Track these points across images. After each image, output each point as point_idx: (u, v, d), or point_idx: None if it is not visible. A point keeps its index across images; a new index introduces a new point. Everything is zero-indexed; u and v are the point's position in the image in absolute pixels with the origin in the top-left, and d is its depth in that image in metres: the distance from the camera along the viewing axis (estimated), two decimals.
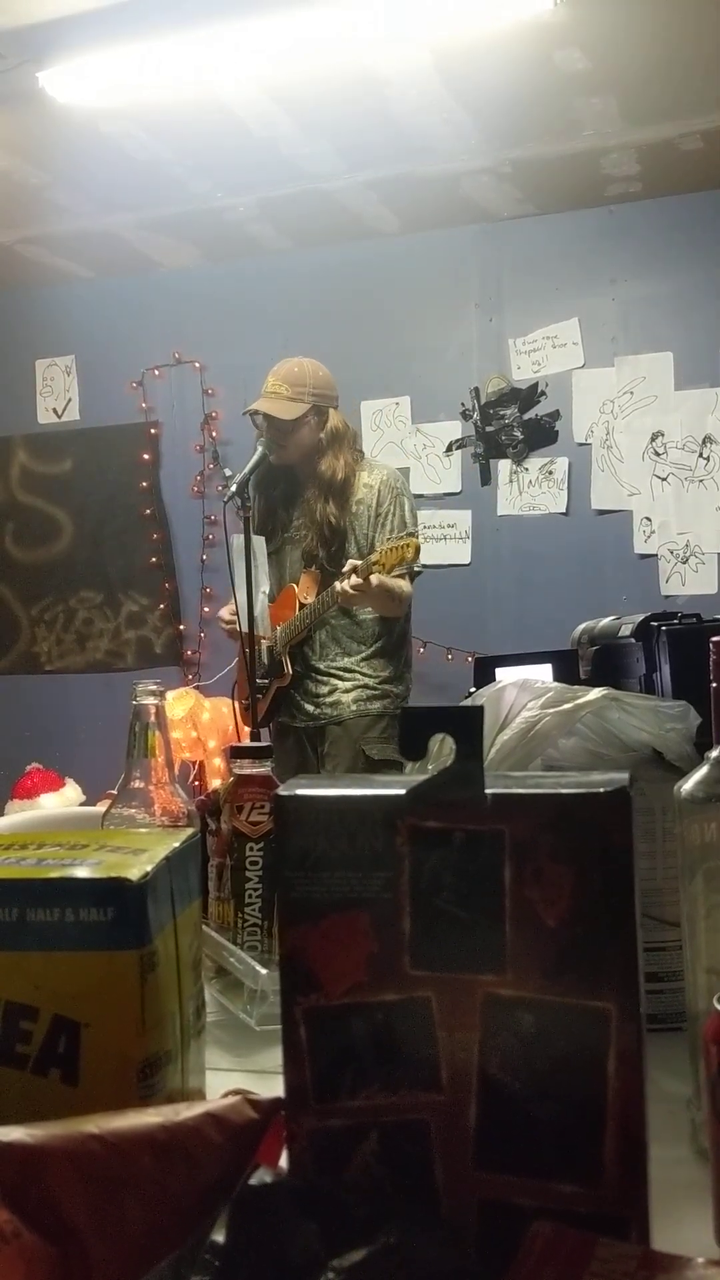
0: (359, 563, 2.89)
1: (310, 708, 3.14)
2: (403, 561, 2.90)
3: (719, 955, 0.71)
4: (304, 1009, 0.60)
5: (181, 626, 5.01)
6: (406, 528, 3.13)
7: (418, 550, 2.95)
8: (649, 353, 4.38)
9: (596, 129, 3.87)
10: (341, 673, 3.11)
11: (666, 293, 4.37)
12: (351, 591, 2.88)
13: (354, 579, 2.86)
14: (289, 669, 3.14)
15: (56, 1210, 0.53)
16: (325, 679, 3.12)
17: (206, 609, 4.90)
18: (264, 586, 3.08)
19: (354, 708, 3.09)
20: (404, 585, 3.07)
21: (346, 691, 3.10)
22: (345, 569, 2.92)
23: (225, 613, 3.29)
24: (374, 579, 2.88)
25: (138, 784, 1.15)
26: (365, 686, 3.11)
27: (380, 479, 3.18)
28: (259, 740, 2.88)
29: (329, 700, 3.11)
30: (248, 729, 3.09)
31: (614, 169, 4.17)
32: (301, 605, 3.12)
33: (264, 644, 3.11)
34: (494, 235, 4.59)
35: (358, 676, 3.11)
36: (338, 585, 2.93)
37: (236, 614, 3.12)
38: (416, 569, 3.12)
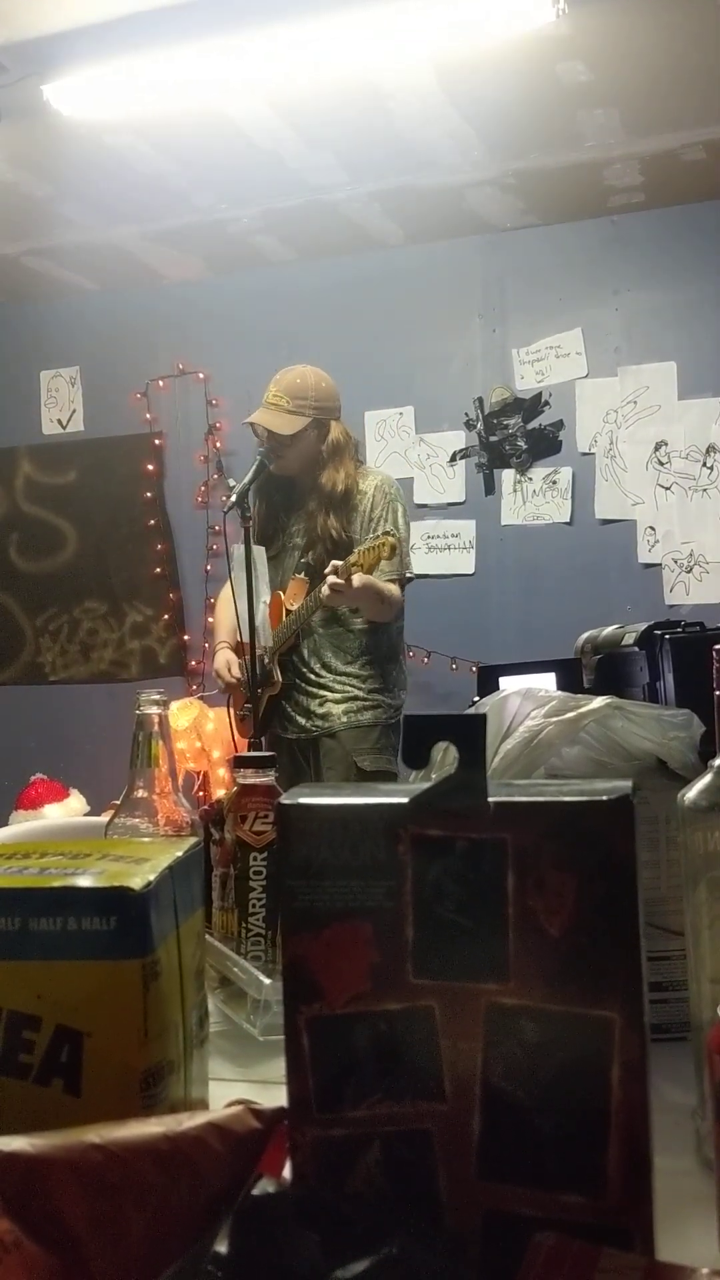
0: (339, 563, 2.83)
1: (301, 720, 3.09)
2: (379, 560, 2.84)
3: None
4: (307, 1018, 0.60)
5: (186, 637, 5.01)
6: (399, 533, 3.04)
7: (393, 548, 2.85)
8: (652, 362, 4.39)
9: (599, 140, 3.88)
10: (331, 684, 3.06)
11: (669, 303, 4.38)
12: (331, 592, 2.81)
13: (333, 578, 2.79)
14: (278, 677, 3.10)
15: (58, 1220, 0.53)
16: (316, 691, 3.07)
17: (210, 619, 4.90)
18: (264, 596, 3.02)
19: (345, 719, 3.03)
20: (393, 589, 2.99)
21: (337, 703, 3.05)
22: (326, 570, 2.85)
23: (221, 667, 3.18)
24: (356, 579, 2.81)
25: (141, 794, 1.15)
26: (355, 698, 3.04)
27: (374, 484, 3.12)
28: (259, 750, 2.86)
29: (320, 712, 3.06)
30: (244, 738, 3.06)
31: (616, 180, 4.18)
32: (288, 612, 3.08)
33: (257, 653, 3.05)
34: (497, 246, 4.60)
35: (348, 688, 3.05)
36: (321, 588, 2.87)
37: (229, 666, 3.12)
38: (409, 575, 3.08)
